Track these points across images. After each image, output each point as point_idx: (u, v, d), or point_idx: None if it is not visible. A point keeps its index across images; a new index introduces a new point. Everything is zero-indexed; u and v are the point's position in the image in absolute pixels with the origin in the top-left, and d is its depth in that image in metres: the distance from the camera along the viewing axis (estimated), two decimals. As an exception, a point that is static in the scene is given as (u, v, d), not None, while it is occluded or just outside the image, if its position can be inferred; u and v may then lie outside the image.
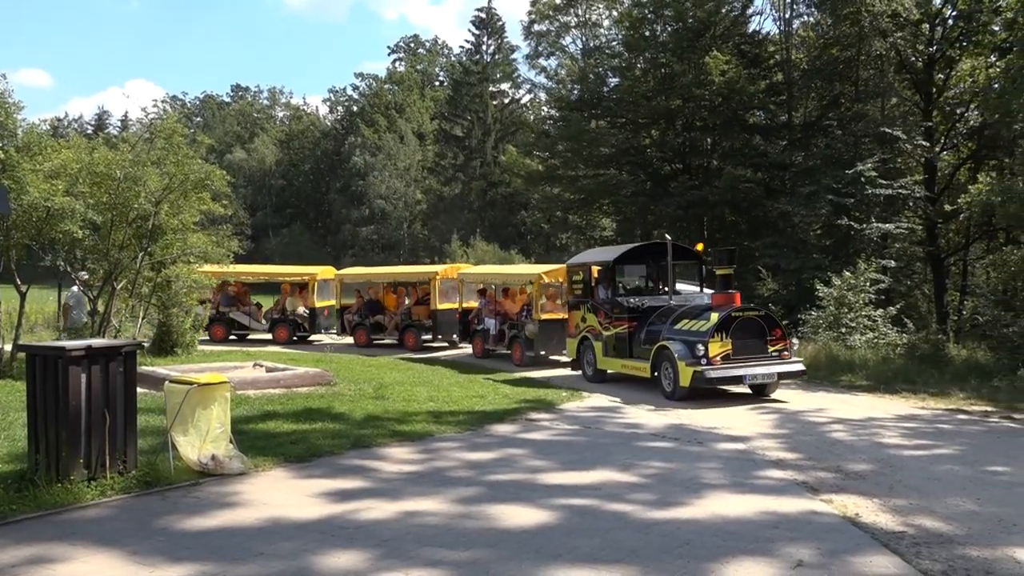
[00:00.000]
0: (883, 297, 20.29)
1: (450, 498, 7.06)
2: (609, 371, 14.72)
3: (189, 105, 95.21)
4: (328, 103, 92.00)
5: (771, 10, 35.02)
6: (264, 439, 9.07)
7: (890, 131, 23.02)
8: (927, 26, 25.31)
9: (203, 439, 7.69)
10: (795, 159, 25.87)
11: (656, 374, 13.07)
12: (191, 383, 7.78)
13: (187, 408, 7.58)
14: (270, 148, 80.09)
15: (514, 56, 64.85)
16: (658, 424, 10.70)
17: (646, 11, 29.90)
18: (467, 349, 20.22)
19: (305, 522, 6.39)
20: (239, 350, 19.79)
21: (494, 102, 60.49)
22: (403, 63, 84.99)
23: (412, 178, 61.88)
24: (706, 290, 15.37)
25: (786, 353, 12.82)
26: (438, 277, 20.62)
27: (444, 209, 57.03)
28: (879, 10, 23.31)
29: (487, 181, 54.91)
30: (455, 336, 20.40)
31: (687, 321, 13.01)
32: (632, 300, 14.52)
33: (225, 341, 22.40)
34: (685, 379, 12.27)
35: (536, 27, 51.06)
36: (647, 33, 29.72)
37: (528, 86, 62.72)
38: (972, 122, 25.87)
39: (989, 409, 12.04)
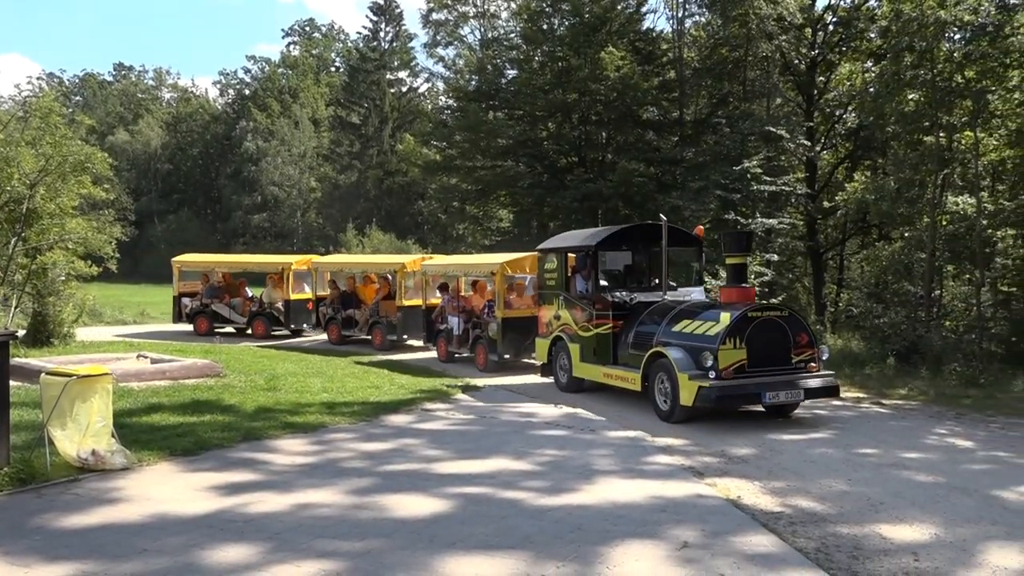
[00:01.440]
0: (767, 290, 21.13)
1: (344, 489, 7.01)
2: (587, 380, 12.39)
3: (68, 83, 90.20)
4: (219, 86, 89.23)
5: (664, 9, 35.91)
6: (149, 433, 8.77)
7: (775, 130, 23.92)
8: (810, 30, 26.43)
9: (83, 433, 7.38)
10: (686, 155, 26.59)
11: (647, 385, 10.76)
12: (70, 375, 7.45)
13: (65, 401, 7.26)
14: (156, 130, 76.84)
15: (412, 44, 64.28)
16: (552, 413, 10.88)
17: (544, 4, 30.14)
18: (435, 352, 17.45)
19: (192, 517, 6.22)
20: (124, 341, 19.01)
21: (391, 90, 59.81)
22: (298, 47, 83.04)
23: (306, 165, 60.62)
24: (711, 284, 13.90)
25: (814, 364, 10.25)
26: (405, 269, 18.45)
27: (339, 197, 56.06)
28: (765, 13, 24.18)
29: (384, 170, 54.24)
30: (422, 337, 18.11)
31: (689, 322, 10.52)
32: (619, 294, 12.02)
33: (209, 335, 20.70)
34: (687, 396, 9.75)
35: (435, 15, 50.74)
36: (544, 26, 29.95)
37: (426, 75, 62.31)
38: (850, 123, 27.21)
39: (861, 395, 12.77)
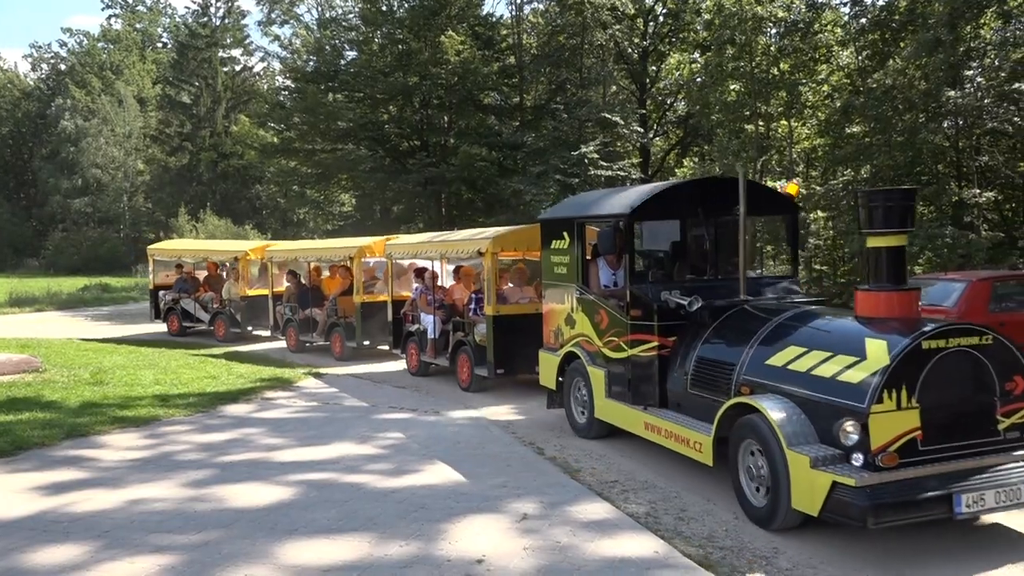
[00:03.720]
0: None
1: (180, 482, 6.79)
2: (617, 425, 7.81)
3: None
4: (30, 60, 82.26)
5: (504, -6, 36.21)
6: (-42, 434, 8.13)
7: (610, 117, 24.80)
8: (642, 21, 27.55)
9: None
10: (526, 140, 27.11)
11: (723, 451, 6.25)
12: None
13: None
14: (-43, 107, 70.12)
15: (245, 22, 61.96)
16: (397, 396, 10.89)
17: (383, -15, 29.83)
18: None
19: (12, 520, 5.86)
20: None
21: (224, 69, 57.27)
22: (120, 20, 77.94)
23: (133, 146, 57.10)
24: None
25: None
26: (367, 253, 14.32)
27: (170, 181, 53.23)
28: (600, 3, 24.95)
29: (218, 152, 51.98)
30: (388, 342, 13.94)
31: (802, 351, 5.97)
32: (669, 294, 7.20)
33: (180, 335, 18.50)
34: (810, 498, 5.31)
35: (269, -8, 49.05)
36: (384, 7, 29.63)
37: (261, 54, 60.29)
38: (679, 111, 28.64)
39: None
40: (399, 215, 33.06)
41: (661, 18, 27.94)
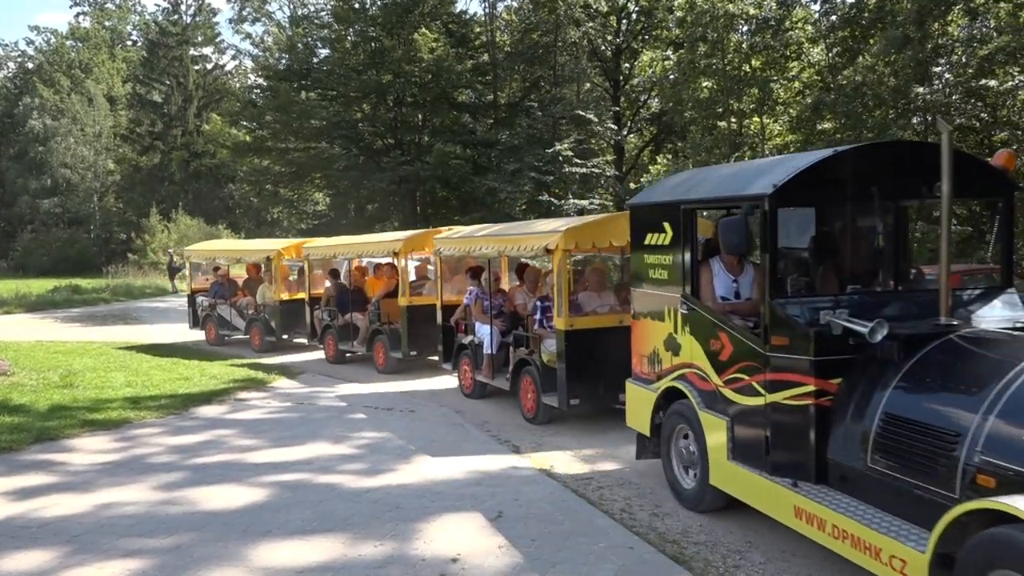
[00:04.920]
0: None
1: (151, 485, 6.71)
2: (748, 502, 5.41)
3: None
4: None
5: (477, -8, 36.16)
6: (-77, 439, 7.99)
7: (584, 114, 24.87)
8: (615, 18, 27.62)
9: None
10: (501, 137, 27.11)
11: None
12: None
13: None
14: (-79, 107, 68.91)
15: (217, 19, 61.30)
16: (372, 395, 10.84)
17: (355, -18, 29.68)
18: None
19: (-22, 526, 5.76)
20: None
21: (196, 67, 56.67)
22: (88, 18, 76.93)
23: (103, 146, 56.37)
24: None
25: None
26: (416, 247, 12.21)
27: (141, 181, 52.59)
28: (573, 0, 25.00)
29: (189, 151, 51.43)
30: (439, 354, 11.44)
31: None
32: (838, 315, 4.76)
33: (219, 344, 16.57)
34: None
35: (240, -11, 48.62)
36: (356, 5, 29.48)
37: (233, 52, 59.71)
38: (653, 109, 28.75)
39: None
40: (373, 214, 32.92)
41: (634, 15, 28.03)
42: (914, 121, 16.16)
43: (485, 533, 5.50)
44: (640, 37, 28.24)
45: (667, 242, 6.09)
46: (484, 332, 9.89)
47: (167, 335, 18.27)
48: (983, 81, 14.80)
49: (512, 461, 7.37)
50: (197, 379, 11.93)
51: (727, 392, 5.40)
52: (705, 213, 7.08)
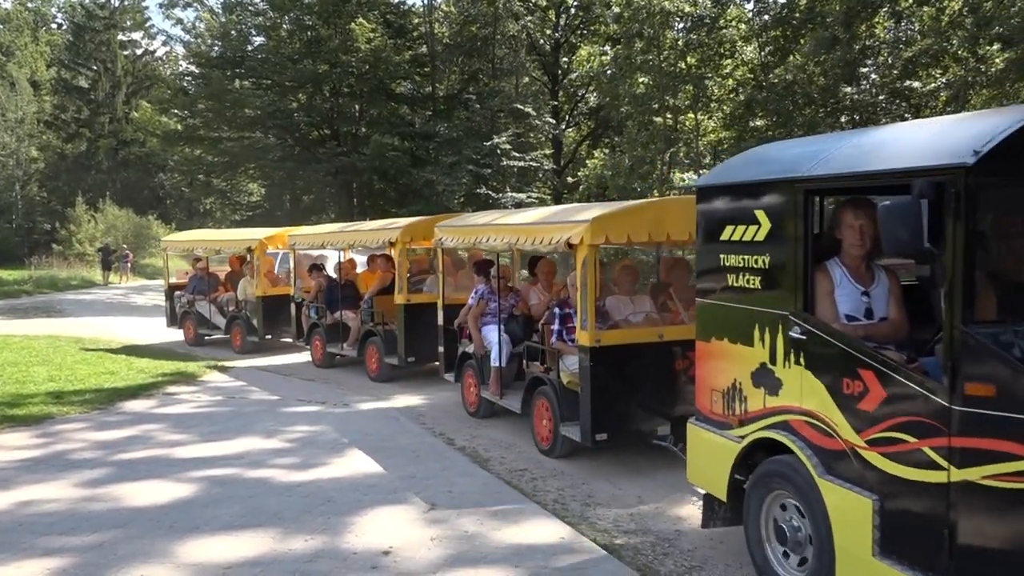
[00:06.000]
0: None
1: (73, 482, 6.52)
2: None
3: None
4: (-90, 39, 77.30)
5: (416, -17, 35.93)
6: None
7: (522, 107, 24.90)
8: (553, 13, 27.72)
9: None
10: (439, 129, 26.98)
11: None
12: None
13: None
14: None
15: (146, 3, 59.66)
16: (305, 388, 10.70)
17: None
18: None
19: None
20: None
21: (124, 52, 55.04)
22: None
23: (26, 132, 54.36)
24: None
25: None
26: (413, 238, 10.59)
27: (66, 169, 50.87)
28: (512, -7, 25.02)
29: (118, 139, 49.95)
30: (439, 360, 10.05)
31: None
32: None
33: (198, 344, 15.12)
34: None
35: (171, -26, 47.31)
36: (292, -7, 29.00)
37: (163, 38, 58.19)
38: (590, 103, 28.94)
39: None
40: (309, 205, 32.50)
41: (572, 10, 28.17)
42: (842, 120, 16.58)
43: (418, 525, 5.48)
44: (578, 32, 28.41)
45: (762, 237, 4.40)
46: (492, 340, 8.35)
47: (141, 333, 17.63)
48: (907, 82, 15.26)
49: (447, 453, 7.36)
50: (124, 373, 11.63)
51: (872, 457, 3.73)
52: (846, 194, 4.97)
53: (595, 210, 6.78)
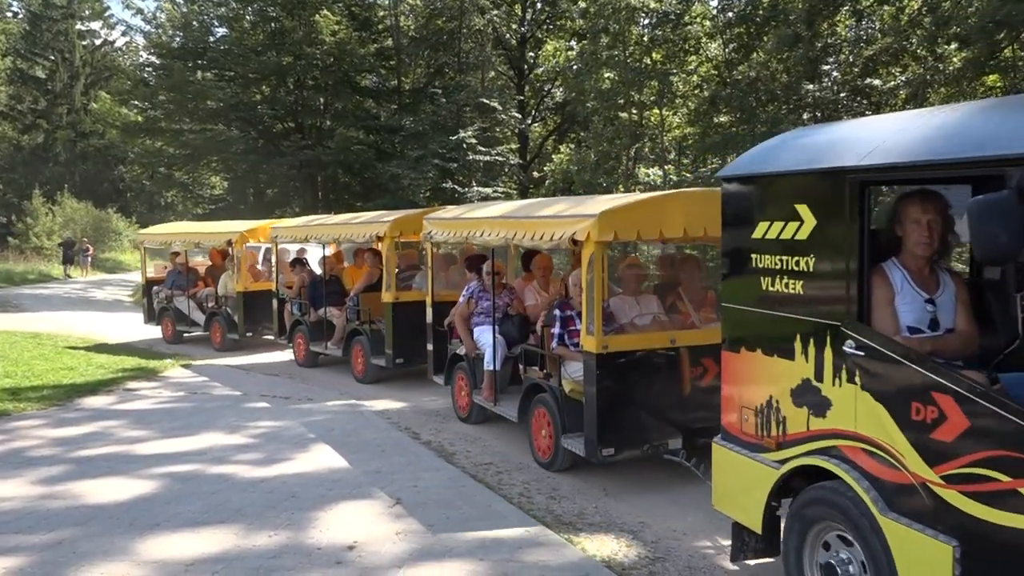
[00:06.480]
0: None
1: (30, 480, 6.42)
2: None
3: None
4: None
5: (381, -25, 35.66)
6: None
7: (488, 102, 24.83)
8: (520, 7, 27.67)
9: None
10: (404, 123, 26.80)
11: None
12: None
13: None
14: None
15: (106, -7, 58.41)
16: (268, 383, 10.60)
17: (254, -40, 28.80)
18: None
19: None
20: None
21: (83, 42, 53.99)
22: (-36, -13, 72.30)
23: (-20, 123, 53.21)
24: None
25: None
26: (402, 232, 9.96)
27: (23, 161, 49.80)
28: (478, -13, 24.93)
29: (76, 131, 49.01)
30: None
31: None
32: None
33: (176, 342, 14.61)
34: None
35: (131, -37, 46.46)
36: (255, -17, 28.64)
37: (123, 28, 57.15)
38: (556, 98, 28.97)
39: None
40: (273, 199, 32.13)
41: (539, 5, 28.13)
42: (804, 117, 16.78)
43: (383, 520, 5.47)
44: (544, 27, 28.38)
45: (805, 236, 3.83)
46: (486, 342, 7.78)
47: (101, 328, 17.30)
48: (868, 80, 15.49)
49: (413, 447, 7.35)
50: (83, 369, 11.45)
51: (951, 496, 3.16)
52: (884, 188, 4.55)
53: (602, 203, 6.22)
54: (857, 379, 3.56)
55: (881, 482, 3.46)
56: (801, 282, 3.87)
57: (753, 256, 4.16)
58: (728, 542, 4.51)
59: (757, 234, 4.12)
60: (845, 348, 3.59)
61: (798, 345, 3.89)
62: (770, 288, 4.06)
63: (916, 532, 3.26)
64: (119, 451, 7.27)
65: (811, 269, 3.81)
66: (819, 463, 3.77)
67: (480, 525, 5.37)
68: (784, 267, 3.96)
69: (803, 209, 3.82)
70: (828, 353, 3.70)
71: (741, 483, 4.32)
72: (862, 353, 3.52)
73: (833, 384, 3.69)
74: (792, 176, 3.95)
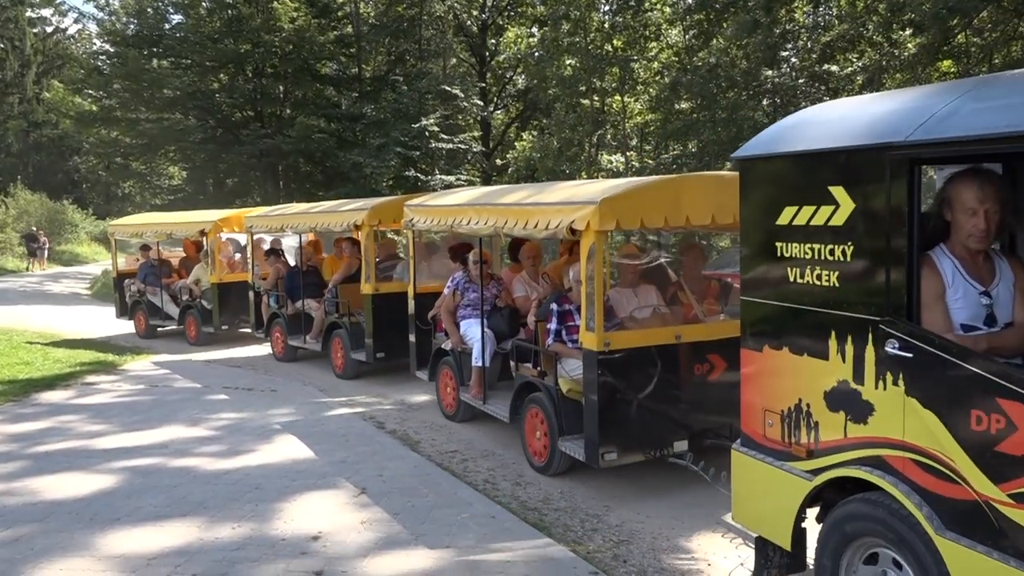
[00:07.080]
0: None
1: (-14, 477, 6.28)
2: None
3: None
4: None
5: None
6: None
7: (450, 89, 24.71)
8: (480, -6, 27.57)
9: None
10: (366, 111, 26.59)
11: None
12: None
13: None
14: None
15: (57, -21, 57.02)
16: (230, 375, 10.49)
17: (209, -54, 28.30)
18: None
19: None
20: None
21: (34, 30, 52.74)
22: (-93, -27, 70.12)
23: (-72, 113, 51.83)
24: None
25: None
26: (381, 220, 9.53)
27: (-27, 152, 48.75)
28: (438, -27, 24.78)
29: (28, 121, 47.93)
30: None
31: None
32: None
33: (150, 337, 14.21)
34: None
35: (83, -52, 45.51)
36: (211, -30, 28.15)
37: (75, 15, 55.93)
38: (518, 85, 28.93)
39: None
40: (233, 188, 31.70)
41: (499, -9, 28.05)
42: (764, 103, 16.94)
43: (348, 510, 5.45)
44: (505, 13, 28.28)
45: (841, 222, 3.42)
46: (473, 336, 7.35)
47: (58, 322, 16.95)
48: (826, 66, 15.66)
49: (377, 437, 7.33)
50: (40, 363, 11.25)
51: (1021, 517, 2.78)
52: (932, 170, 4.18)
53: (603, 189, 5.73)
54: (902, 382, 3.18)
55: (936, 497, 3.07)
56: (836, 273, 3.45)
57: (778, 244, 3.74)
58: (688, 523, 4.56)
59: (783, 220, 3.70)
60: (889, 349, 3.20)
61: (833, 343, 3.49)
62: (798, 279, 3.65)
63: (979, 554, 2.88)
64: (78, 446, 7.16)
65: (847, 259, 3.39)
66: (861, 474, 3.36)
67: (446, 512, 5.37)
68: (815, 256, 3.55)
69: (839, 192, 3.41)
70: (869, 352, 3.30)
71: (766, 495, 3.91)
72: (910, 355, 3.13)
73: (876, 387, 3.29)
74: (825, 155, 3.49)
